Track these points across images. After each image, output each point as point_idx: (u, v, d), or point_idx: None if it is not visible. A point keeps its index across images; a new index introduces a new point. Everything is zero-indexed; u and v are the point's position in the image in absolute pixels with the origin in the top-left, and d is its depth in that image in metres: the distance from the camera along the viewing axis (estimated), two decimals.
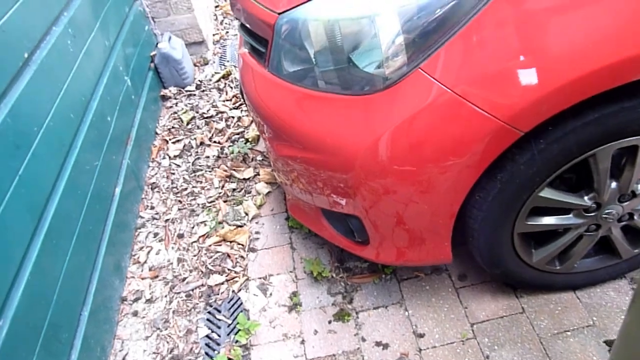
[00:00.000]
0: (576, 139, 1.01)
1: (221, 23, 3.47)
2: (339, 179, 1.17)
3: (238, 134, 2.37)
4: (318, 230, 1.52)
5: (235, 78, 2.81)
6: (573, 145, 1.02)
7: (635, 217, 1.27)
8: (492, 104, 0.93)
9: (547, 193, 1.14)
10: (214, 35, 3.28)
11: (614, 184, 1.16)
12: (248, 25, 1.42)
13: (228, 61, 3.00)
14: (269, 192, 2.02)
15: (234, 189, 2.06)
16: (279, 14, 1.18)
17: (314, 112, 1.15)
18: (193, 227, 1.93)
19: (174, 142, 2.39)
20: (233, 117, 2.49)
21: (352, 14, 0.99)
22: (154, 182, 2.18)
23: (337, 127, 1.10)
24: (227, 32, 3.35)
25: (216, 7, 3.62)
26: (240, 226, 1.88)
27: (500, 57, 0.92)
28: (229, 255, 1.79)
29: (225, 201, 2.01)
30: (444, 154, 1.01)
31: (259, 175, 2.10)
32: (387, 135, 1.03)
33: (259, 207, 1.96)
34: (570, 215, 1.23)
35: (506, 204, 1.13)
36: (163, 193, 2.12)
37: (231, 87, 2.73)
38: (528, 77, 0.90)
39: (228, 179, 2.12)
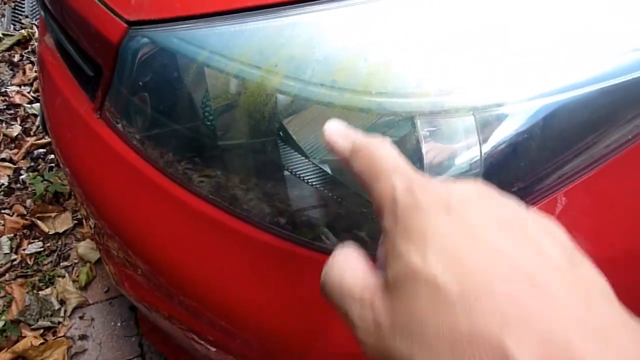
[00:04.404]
0: None
1: None
2: None
3: (45, 147, 1.54)
4: None
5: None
6: None
7: None
8: None
9: None
10: None
11: None
12: (56, 19, 0.70)
13: (27, 17, 2.03)
14: (100, 257, 1.31)
15: (38, 254, 1.29)
16: (131, 24, 0.52)
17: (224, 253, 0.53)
18: None
19: None
20: (36, 116, 1.63)
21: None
22: None
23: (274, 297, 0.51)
24: None
25: None
26: (52, 328, 1.16)
27: None
28: None
29: (22, 279, 1.24)
30: None
31: (81, 226, 1.35)
32: None
33: (84, 287, 1.24)
34: None
35: None
36: None
37: (32, 63, 1.81)
38: None
39: (27, 234, 1.33)
